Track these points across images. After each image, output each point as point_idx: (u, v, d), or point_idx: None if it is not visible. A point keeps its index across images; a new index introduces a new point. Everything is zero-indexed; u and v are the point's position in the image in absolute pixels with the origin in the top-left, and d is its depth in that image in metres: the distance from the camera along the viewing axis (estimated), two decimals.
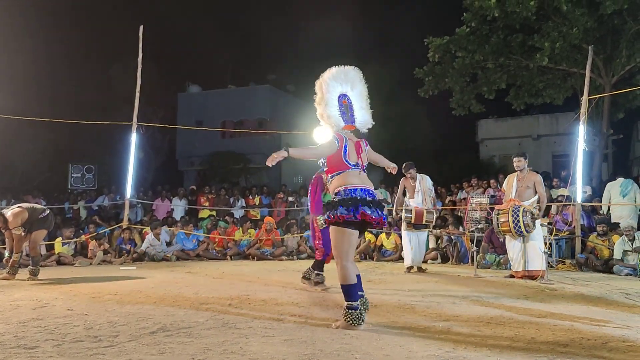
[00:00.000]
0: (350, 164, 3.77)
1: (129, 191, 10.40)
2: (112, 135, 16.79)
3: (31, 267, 6.74)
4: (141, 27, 10.28)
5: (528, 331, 3.55)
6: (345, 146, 3.78)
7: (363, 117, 3.96)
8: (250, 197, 13.56)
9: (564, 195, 9.77)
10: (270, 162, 3.63)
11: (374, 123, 4.05)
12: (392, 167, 4.36)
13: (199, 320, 3.89)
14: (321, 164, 3.99)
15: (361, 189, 3.70)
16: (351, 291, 3.61)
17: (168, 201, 13.14)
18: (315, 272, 5.84)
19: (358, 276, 3.74)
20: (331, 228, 3.70)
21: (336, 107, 3.83)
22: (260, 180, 20.57)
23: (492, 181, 11.60)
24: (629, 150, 20.57)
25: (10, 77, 14.49)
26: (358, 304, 3.58)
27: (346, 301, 3.61)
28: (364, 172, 3.87)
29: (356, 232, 3.71)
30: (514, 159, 7.15)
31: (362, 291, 3.78)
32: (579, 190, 8.86)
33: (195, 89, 26.22)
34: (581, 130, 8.65)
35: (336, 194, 3.71)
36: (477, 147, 22.23)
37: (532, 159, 9.11)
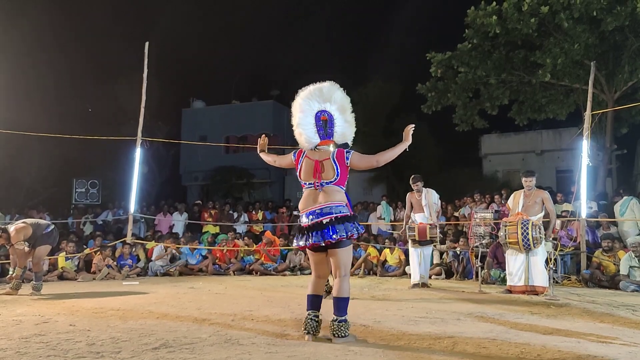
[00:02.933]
0: (303, 182, 3.90)
1: (132, 206, 10.41)
2: (117, 150, 16.87)
3: (34, 283, 6.74)
4: (147, 44, 10.40)
5: (534, 348, 3.51)
6: (300, 163, 3.90)
7: (343, 130, 3.97)
8: (254, 212, 13.55)
9: (568, 211, 9.73)
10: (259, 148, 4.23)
11: (354, 136, 4.07)
12: (408, 129, 4.27)
13: (201, 336, 3.87)
14: None
15: (307, 213, 3.82)
16: (307, 300, 3.85)
17: (170, 216, 13.15)
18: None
19: (319, 296, 3.88)
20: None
21: (312, 125, 3.89)
22: (264, 195, 20.60)
23: (495, 196, 11.57)
24: (633, 166, 20.48)
25: (16, 92, 14.62)
26: (316, 314, 3.78)
27: (306, 309, 3.83)
28: (327, 185, 3.81)
29: (318, 253, 3.87)
30: (526, 179, 7.08)
31: (317, 310, 3.84)
32: (584, 206, 8.83)
33: (199, 105, 26.42)
34: (584, 146, 8.65)
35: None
36: (481, 163, 22.21)
37: (536, 175, 9.07)
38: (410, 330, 4.15)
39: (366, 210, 13.33)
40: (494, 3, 12.97)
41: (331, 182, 3.82)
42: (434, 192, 8.03)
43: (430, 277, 8.66)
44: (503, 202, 10.38)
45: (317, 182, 3.81)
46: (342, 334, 3.64)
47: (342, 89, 4.00)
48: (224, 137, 23.66)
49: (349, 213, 3.81)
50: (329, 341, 3.64)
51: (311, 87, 3.95)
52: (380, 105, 20.10)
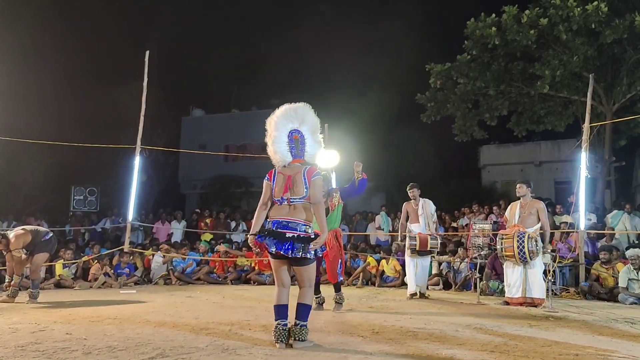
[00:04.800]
0: (275, 199, 4.07)
1: (130, 214, 10.39)
2: (116, 158, 16.85)
3: (31, 290, 6.71)
4: (147, 52, 10.43)
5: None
6: (274, 180, 4.07)
7: (313, 150, 4.14)
8: (252, 220, 13.50)
9: (566, 223, 9.74)
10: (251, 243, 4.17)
11: (319, 157, 4.32)
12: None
13: (198, 345, 3.84)
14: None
15: (273, 221, 3.99)
16: (274, 310, 4.02)
17: (168, 224, 13.13)
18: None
19: (284, 306, 4.01)
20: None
21: (285, 143, 4.05)
22: None
23: (494, 207, 11.57)
24: (631, 178, 20.53)
25: (15, 98, 14.64)
26: (284, 323, 3.91)
27: (274, 319, 3.96)
28: (297, 201, 3.98)
29: (279, 261, 4.01)
30: (517, 185, 7.17)
31: (285, 319, 3.96)
32: (582, 217, 8.83)
33: (198, 113, 26.47)
34: (583, 158, 8.66)
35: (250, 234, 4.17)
36: (479, 173, 22.24)
37: (535, 186, 9.09)
38: (408, 341, 4.13)
39: (365, 220, 13.31)
40: (494, 15, 13.07)
41: (302, 198, 3.98)
42: (430, 202, 8.03)
43: (427, 288, 8.63)
44: (502, 213, 10.38)
45: (289, 198, 3.97)
46: (302, 338, 3.87)
47: (313, 110, 4.19)
48: (224, 145, 23.67)
49: (312, 234, 3.96)
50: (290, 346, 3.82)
51: (286, 106, 4.14)
52: (379, 115, 20.16)
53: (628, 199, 14.55)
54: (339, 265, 6.18)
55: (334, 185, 6.98)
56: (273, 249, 3.88)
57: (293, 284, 4.04)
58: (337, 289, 6.20)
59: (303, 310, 3.97)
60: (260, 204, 4.16)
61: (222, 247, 10.82)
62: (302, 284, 4.02)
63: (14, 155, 15.37)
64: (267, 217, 4.10)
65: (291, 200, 3.98)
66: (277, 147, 4.04)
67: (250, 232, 4.17)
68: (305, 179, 3.98)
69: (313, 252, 3.92)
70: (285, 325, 3.90)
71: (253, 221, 4.17)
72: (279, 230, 3.91)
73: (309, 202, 3.99)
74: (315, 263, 4.13)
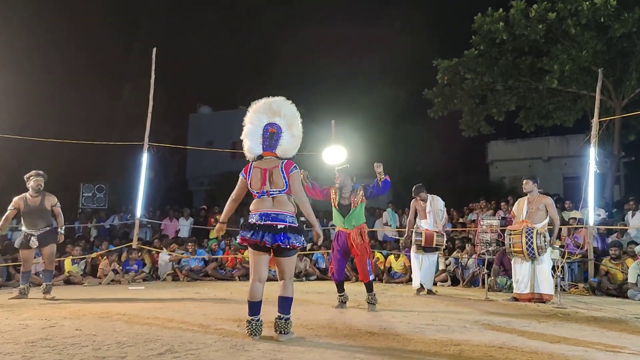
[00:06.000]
0: (254, 192, 4.09)
1: (139, 211, 10.44)
2: (124, 155, 16.93)
3: (46, 283, 6.79)
4: (154, 50, 10.46)
5: (541, 357, 3.48)
6: (249, 175, 4.11)
7: (288, 145, 4.13)
8: None
9: (575, 218, 9.68)
10: (217, 233, 4.58)
11: (296, 151, 4.22)
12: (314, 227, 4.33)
13: (207, 341, 3.86)
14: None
15: (260, 214, 4.01)
16: (249, 306, 4.03)
17: (176, 221, 13.19)
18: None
19: (259, 302, 4.08)
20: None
21: (259, 136, 4.11)
22: None
23: (502, 203, 11.52)
24: None
25: (25, 97, 14.76)
26: (258, 318, 3.99)
27: (249, 315, 4.00)
28: (278, 194, 4.04)
29: (261, 254, 4.05)
30: (523, 181, 7.15)
31: (258, 314, 4.06)
32: (591, 213, 8.77)
33: (206, 110, 26.54)
34: (592, 153, 8.60)
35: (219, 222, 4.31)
36: (487, 169, 22.13)
37: (543, 181, 9.05)
38: (416, 338, 4.12)
39: (372, 216, 13.29)
40: (501, 9, 12.97)
41: (282, 191, 4.05)
42: (439, 199, 7.98)
43: (435, 284, 8.62)
44: (509, 208, 10.32)
45: (269, 190, 4.03)
46: (286, 331, 3.97)
47: (292, 103, 4.19)
48: (231, 142, 23.69)
49: (297, 225, 4.07)
50: (272, 339, 3.92)
51: (263, 100, 4.20)
52: (386, 111, 20.11)
53: (638, 194, 14.42)
54: (368, 263, 5.94)
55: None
56: (268, 240, 3.90)
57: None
58: (370, 288, 5.94)
59: (285, 303, 4.03)
60: (233, 197, 4.25)
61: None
62: (284, 276, 4.08)
63: (24, 154, 15.48)
64: (248, 211, 4.16)
65: (271, 192, 4.04)
66: (247, 140, 4.12)
67: (221, 220, 4.33)
68: (283, 172, 4.05)
69: (298, 245, 3.99)
70: (259, 320, 4.01)
71: (224, 211, 4.32)
72: (268, 222, 3.96)
73: (289, 195, 4.08)
74: (296, 256, 4.24)
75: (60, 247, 10.68)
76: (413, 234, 7.84)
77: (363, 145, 16.35)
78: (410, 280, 9.14)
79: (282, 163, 4.09)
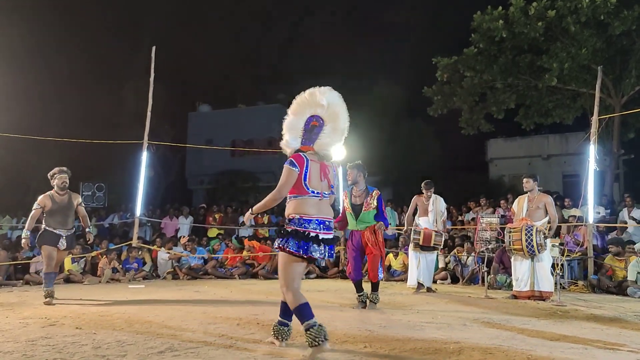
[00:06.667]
0: (309, 190, 3.55)
1: (138, 209, 10.44)
2: (123, 154, 16.91)
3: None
4: (154, 48, 10.44)
5: (541, 354, 3.49)
6: (307, 169, 3.56)
7: (327, 140, 3.68)
8: (259, 215, 13.56)
9: (575, 216, 9.69)
10: (246, 221, 3.81)
11: (337, 148, 3.82)
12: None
13: (207, 340, 3.87)
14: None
15: (317, 221, 3.51)
16: (304, 311, 3.40)
17: (176, 219, 13.21)
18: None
19: (307, 304, 3.57)
20: (280, 254, 3.57)
21: (299, 129, 3.69)
22: None
23: (501, 201, 11.52)
24: None
25: (24, 95, 14.75)
26: (315, 321, 3.34)
27: (302, 324, 3.38)
28: (325, 198, 3.63)
29: (303, 263, 3.61)
30: (523, 180, 7.15)
31: (314, 318, 3.46)
32: (591, 211, 8.78)
33: (205, 109, 26.53)
34: (592, 150, 8.61)
35: (290, 220, 3.51)
36: (487, 167, 22.14)
37: (542, 179, 9.07)
38: (416, 336, 4.13)
39: None
40: (500, 7, 12.96)
41: (331, 193, 3.71)
42: (442, 200, 7.97)
43: (435, 282, 8.63)
44: (509, 206, 10.34)
45: (323, 192, 3.62)
46: (309, 340, 3.40)
47: (339, 95, 3.76)
48: (230, 140, 23.73)
49: None
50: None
51: (308, 91, 3.75)
52: (386, 108, 20.09)
53: (637, 192, 14.43)
54: (380, 263, 5.90)
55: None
56: (325, 255, 3.52)
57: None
58: (375, 288, 5.94)
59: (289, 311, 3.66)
60: (280, 195, 3.56)
61: (254, 243, 10.84)
62: (300, 282, 3.75)
63: (23, 153, 15.49)
64: (295, 213, 3.53)
65: (325, 194, 3.63)
66: (287, 132, 3.72)
67: (254, 211, 3.69)
68: (335, 171, 3.77)
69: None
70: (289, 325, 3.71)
71: (262, 204, 3.65)
72: (326, 232, 3.53)
73: None
74: None
75: None
76: (412, 232, 7.84)
77: (362, 143, 16.36)
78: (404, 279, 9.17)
79: (332, 165, 3.75)
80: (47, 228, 6.40)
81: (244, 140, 24.09)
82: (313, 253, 3.45)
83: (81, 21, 22.52)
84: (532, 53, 13.55)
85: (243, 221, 3.61)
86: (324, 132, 3.69)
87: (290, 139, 3.73)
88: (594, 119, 8.90)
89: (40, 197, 6.55)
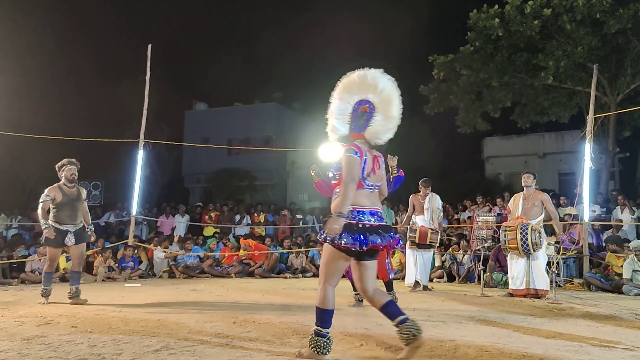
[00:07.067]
0: (365, 183, 3.35)
1: (134, 208, 10.42)
2: (119, 152, 16.89)
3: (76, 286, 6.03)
4: (149, 46, 10.41)
5: (536, 352, 3.50)
6: (365, 161, 3.34)
7: (380, 126, 3.39)
8: (256, 214, 13.57)
9: (570, 214, 9.72)
10: (333, 234, 3.21)
11: (390, 137, 3.49)
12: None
13: (203, 338, 3.86)
14: (332, 175, 3.45)
15: (370, 212, 3.31)
16: (325, 317, 3.32)
17: (172, 218, 13.19)
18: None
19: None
20: (326, 247, 3.35)
21: (347, 115, 3.41)
22: (266, 198, 20.60)
23: (498, 199, 11.55)
24: (635, 169, 20.45)
25: (19, 93, 14.68)
26: (327, 332, 3.27)
27: (316, 325, 3.30)
28: (376, 190, 3.47)
29: (348, 261, 3.38)
30: (524, 175, 7.14)
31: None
32: (587, 209, 8.81)
33: (202, 107, 26.47)
34: (587, 149, 8.63)
35: (340, 214, 3.23)
36: (483, 165, 22.19)
37: (538, 177, 9.04)
38: None
39: None
40: (497, 6, 12.98)
41: (380, 184, 3.53)
42: (438, 197, 8.00)
43: (431, 280, 8.65)
44: (505, 205, 10.37)
45: (375, 184, 3.44)
46: (310, 346, 3.30)
47: (392, 79, 3.48)
48: (227, 139, 23.68)
49: None
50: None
51: (357, 73, 3.46)
52: None
53: (633, 189, 14.50)
54: (387, 261, 5.76)
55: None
56: (389, 241, 3.29)
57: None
58: (390, 287, 5.77)
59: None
60: (353, 182, 3.25)
61: (250, 242, 10.81)
62: (375, 284, 3.55)
63: (18, 151, 15.42)
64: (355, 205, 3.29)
65: (376, 187, 3.45)
66: (333, 118, 3.45)
67: (340, 213, 3.18)
68: (384, 163, 3.60)
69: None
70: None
71: (346, 199, 3.21)
72: (381, 223, 3.33)
73: None
74: None
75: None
76: (408, 230, 7.86)
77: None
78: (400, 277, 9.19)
79: (380, 155, 3.50)
80: (54, 224, 6.04)
81: (241, 139, 24.04)
82: (375, 241, 3.22)
83: (78, 20, 22.44)
84: (528, 51, 13.58)
85: (335, 227, 3.13)
86: (375, 119, 3.39)
87: (337, 124, 3.45)
88: (590, 117, 8.93)
89: (48, 188, 6.18)
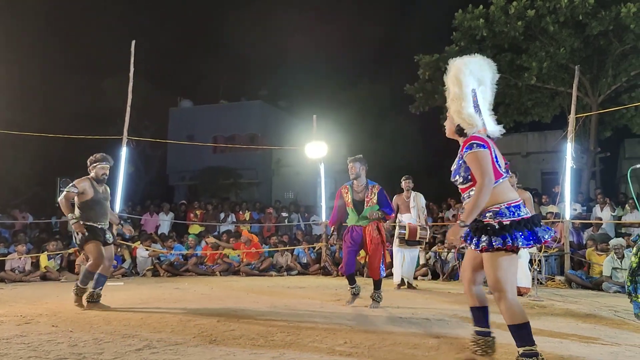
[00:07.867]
0: (501, 170, 2.97)
1: (118, 206, 10.28)
2: (103, 150, 16.64)
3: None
4: (133, 42, 10.28)
5: (516, 348, 3.53)
6: (494, 150, 2.99)
7: (491, 122, 3.11)
8: (241, 212, 13.51)
9: (552, 213, 9.85)
10: (456, 242, 2.98)
11: (504, 131, 3.17)
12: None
13: (186, 337, 3.84)
14: (461, 180, 3.17)
15: (522, 205, 2.95)
16: (526, 331, 2.84)
17: (157, 216, 13.08)
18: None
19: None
20: (496, 256, 2.88)
21: (472, 106, 3.03)
22: (251, 196, 20.54)
23: None
24: (616, 168, 20.80)
25: (1, 90, 14.41)
26: (536, 349, 2.82)
27: (520, 347, 2.84)
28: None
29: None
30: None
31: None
32: (568, 207, 8.94)
33: (187, 104, 26.28)
34: (569, 148, 8.75)
35: (496, 214, 2.88)
36: None
37: (521, 176, 9.21)
38: (396, 331, 4.16)
39: None
40: (481, 6, 13.10)
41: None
42: (422, 196, 8.07)
43: (416, 278, 8.70)
44: None
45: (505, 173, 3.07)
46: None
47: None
48: (212, 137, 23.54)
49: None
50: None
51: (468, 58, 3.07)
52: (368, 106, 20.17)
53: (613, 189, 14.74)
54: (381, 260, 5.72)
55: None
56: (551, 234, 2.94)
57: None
58: (377, 286, 5.73)
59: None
60: (491, 181, 2.88)
61: (210, 239, 10.81)
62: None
63: (0, 148, 15.16)
64: (499, 202, 2.91)
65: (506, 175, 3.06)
66: (466, 104, 3.01)
67: (463, 223, 2.92)
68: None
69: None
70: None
71: (472, 207, 2.90)
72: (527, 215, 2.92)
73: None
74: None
75: (38, 242, 10.51)
76: (397, 227, 7.89)
77: (345, 140, 16.40)
78: (391, 274, 9.23)
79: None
80: (89, 224, 5.48)
81: (226, 137, 23.92)
82: (545, 237, 2.87)
83: (60, 16, 22.09)
84: (512, 52, 13.73)
85: (456, 238, 2.96)
86: (482, 112, 3.09)
87: (474, 113, 3.03)
88: (572, 117, 9.05)
89: (77, 180, 5.59)
